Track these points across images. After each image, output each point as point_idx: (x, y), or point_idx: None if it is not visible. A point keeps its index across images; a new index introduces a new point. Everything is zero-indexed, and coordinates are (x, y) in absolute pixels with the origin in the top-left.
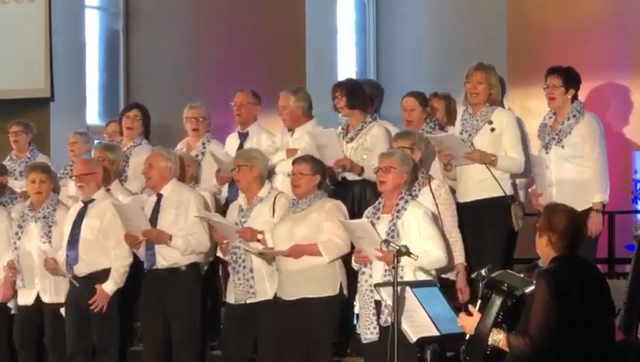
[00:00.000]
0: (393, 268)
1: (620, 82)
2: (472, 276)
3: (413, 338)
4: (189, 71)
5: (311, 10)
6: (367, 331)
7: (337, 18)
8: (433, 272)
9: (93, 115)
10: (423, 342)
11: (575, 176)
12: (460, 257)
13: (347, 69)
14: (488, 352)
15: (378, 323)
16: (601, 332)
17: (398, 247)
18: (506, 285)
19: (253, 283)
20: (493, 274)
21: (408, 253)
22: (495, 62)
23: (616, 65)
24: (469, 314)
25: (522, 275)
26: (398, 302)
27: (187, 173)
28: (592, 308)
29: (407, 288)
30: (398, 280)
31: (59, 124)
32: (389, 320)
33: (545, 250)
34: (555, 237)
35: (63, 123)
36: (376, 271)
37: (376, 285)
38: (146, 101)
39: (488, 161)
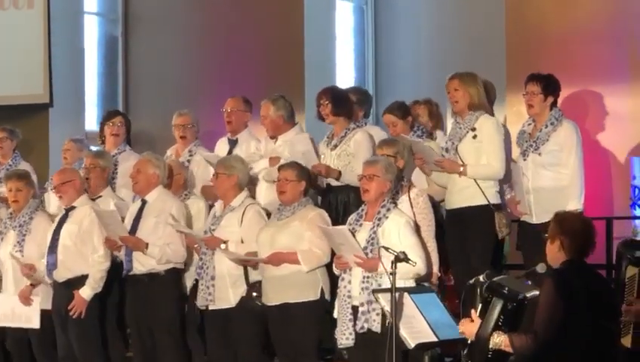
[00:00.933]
0: (391, 273)
1: (619, 87)
2: (470, 282)
3: (411, 344)
4: (188, 77)
5: (310, 16)
6: (343, 336)
7: (336, 24)
8: (411, 281)
9: (92, 120)
10: (422, 347)
11: (552, 184)
12: (434, 266)
13: (346, 75)
14: (489, 356)
15: (354, 329)
16: (604, 336)
17: (396, 253)
18: (506, 289)
19: (213, 291)
20: (495, 279)
21: (406, 259)
22: (494, 67)
23: (615, 70)
24: (471, 319)
25: (529, 282)
26: (397, 308)
27: (179, 180)
28: (596, 311)
29: (406, 294)
30: (375, 287)
31: (58, 130)
32: (366, 326)
33: (557, 256)
34: (567, 241)
35: (61, 129)
36: (355, 278)
37: (375, 291)
38: (144, 107)
39: (457, 170)
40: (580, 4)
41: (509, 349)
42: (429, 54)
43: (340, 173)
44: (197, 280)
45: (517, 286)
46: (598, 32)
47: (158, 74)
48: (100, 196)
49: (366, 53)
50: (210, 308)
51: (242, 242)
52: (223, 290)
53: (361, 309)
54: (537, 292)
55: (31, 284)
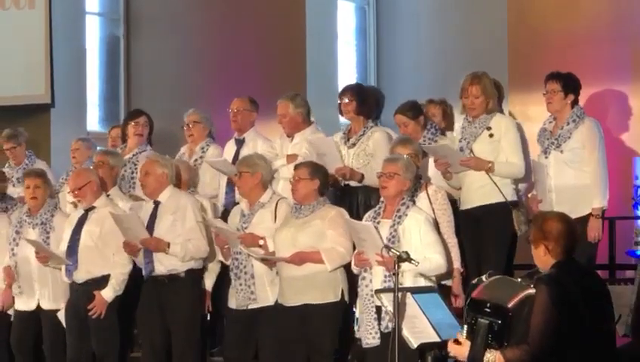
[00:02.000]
0: (394, 273)
1: (620, 88)
2: (474, 282)
3: (414, 344)
4: (190, 77)
5: (311, 16)
6: (369, 336)
7: (338, 24)
8: (433, 279)
9: (93, 121)
10: (424, 347)
11: (575, 182)
12: (455, 263)
13: (347, 74)
14: None
15: (379, 329)
16: (602, 339)
17: (398, 253)
18: (488, 306)
19: (254, 289)
20: (473, 294)
21: (409, 259)
22: (496, 67)
23: (617, 71)
24: (458, 342)
25: (520, 280)
26: (399, 308)
27: (181, 179)
28: (593, 314)
29: (408, 294)
30: (399, 286)
31: (59, 131)
32: (390, 325)
33: (543, 260)
34: (551, 244)
35: (63, 129)
36: (377, 277)
37: (377, 291)
38: (146, 107)
39: (484, 167)
40: (582, 5)
41: None
42: (431, 54)
43: (362, 176)
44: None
45: (502, 295)
46: (600, 32)
47: (160, 74)
48: (108, 195)
49: (368, 53)
50: (251, 306)
51: None
52: (261, 289)
53: (384, 309)
54: (531, 291)
55: None
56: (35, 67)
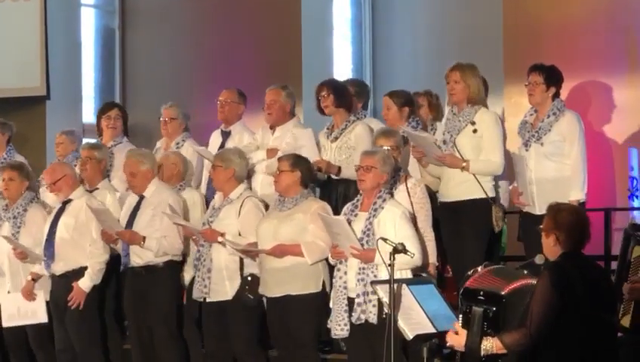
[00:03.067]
0: (390, 265)
1: (616, 79)
2: (469, 273)
3: (409, 335)
4: (185, 69)
5: (307, 7)
6: (338, 327)
7: (333, 15)
8: (409, 272)
9: (89, 113)
10: (420, 338)
11: (555, 175)
12: (432, 256)
13: (343, 66)
14: (483, 360)
15: (349, 320)
16: (602, 328)
17: (394, 244)
18: (482, 293)
19: (208, 284)
20: (466, 284)
21: (405, 251)
22: (491, 59)
23: (612, 62)
24: (456, 332)
25: (525, 272)
26: (395, 299)
27: (172, 170)
28: (593, 303)
29: (404, 285)
30: (372, 278)
31: (55, 123)
32: (363, 317)
33: (553, 250)
34: (562, 235)
35: (58, 121)
36: (351, 269)
37: (373, 282)
38: (141, 99)
39: (459, 166)
40: None
41: (502, 351)
42: (427, 46)
43: (339, 168)
44: None
45: (500, 281)
46: (596, 23)
47: (155, 66)
48: (97, 188)
49: (363, 44)
50: (207, 300)
51: (240, 234)
52: (219, 283)
53: (357, 301)
54: (532, 281)
55: (32, 279)
56: (31, 59)
